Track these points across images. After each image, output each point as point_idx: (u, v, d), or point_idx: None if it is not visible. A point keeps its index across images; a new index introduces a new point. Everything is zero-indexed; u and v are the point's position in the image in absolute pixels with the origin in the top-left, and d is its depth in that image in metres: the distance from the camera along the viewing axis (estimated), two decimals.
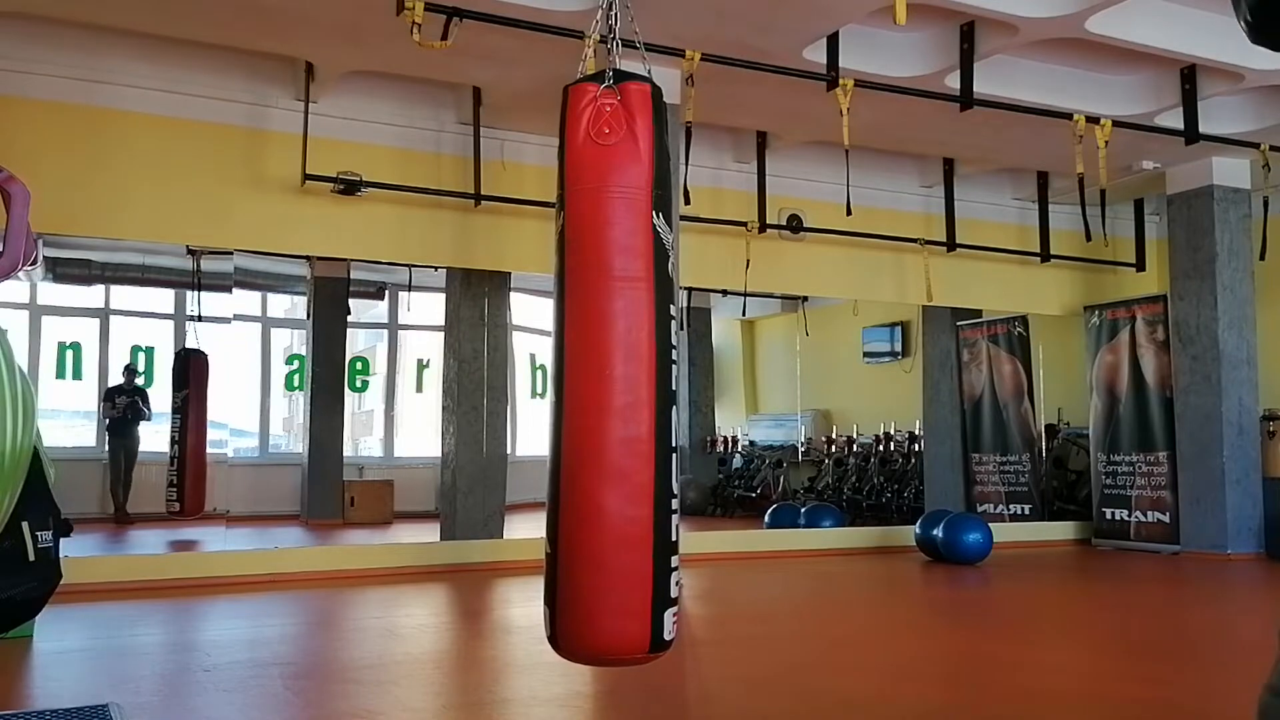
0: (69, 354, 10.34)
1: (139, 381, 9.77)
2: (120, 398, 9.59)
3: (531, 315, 11.61)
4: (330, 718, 3.09)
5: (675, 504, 2.38)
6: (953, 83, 6.11)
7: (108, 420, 9.67)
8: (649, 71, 2.48)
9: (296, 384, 11.17)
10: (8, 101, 5.83)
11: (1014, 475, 9.17)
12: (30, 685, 3.57)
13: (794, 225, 8.05)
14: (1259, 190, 7.48)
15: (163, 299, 10.72)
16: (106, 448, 9.58)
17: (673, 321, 2.42)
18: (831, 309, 11.89)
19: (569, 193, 2.41)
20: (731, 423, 13.39)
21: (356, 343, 11.59)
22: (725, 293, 9.83)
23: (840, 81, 5.86)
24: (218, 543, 8.10)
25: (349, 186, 6.48)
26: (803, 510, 9.10)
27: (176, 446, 8.73)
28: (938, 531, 7.18)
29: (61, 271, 10.09)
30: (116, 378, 10.52)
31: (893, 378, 11.45)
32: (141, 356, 10.53)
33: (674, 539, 2.38)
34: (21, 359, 3.36)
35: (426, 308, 10.42)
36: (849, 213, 6.35)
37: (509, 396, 8.47)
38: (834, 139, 6.23)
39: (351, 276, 10.32)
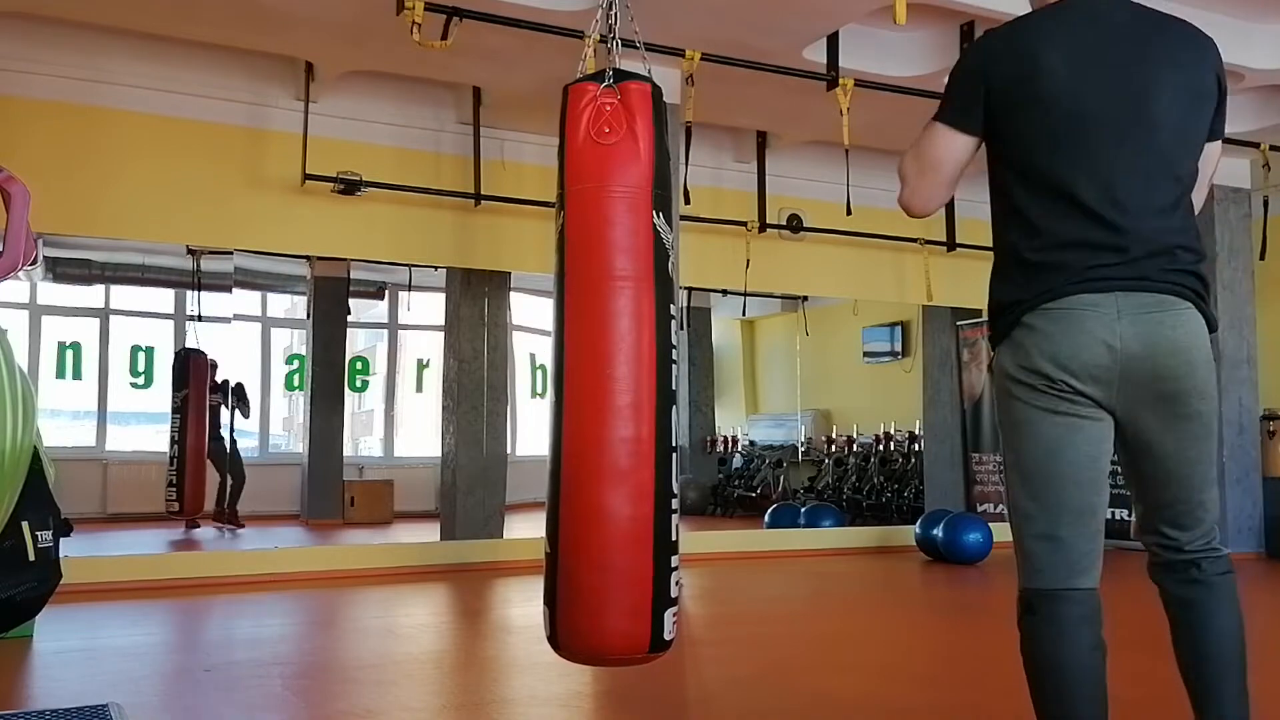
0: (69, 354, 10.35)
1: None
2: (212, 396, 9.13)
3: (531, 315, 11.62)
4: (330, 718, 3.09)
5: (675, 503, 2.38)
6: None
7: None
8: (649, 71, 2.48)
9: (296, 384, 11.17)
10: (8, 101, 5.82)
11: None
12: (30, 685, 3.58)
13: (794, 225, 8.05)
14: (1259, 190, 7.46)
15: (163, 299, 10.74)
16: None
17: (673, 321, 2.42)
18: (831, 309, 11.90)
19: (569, 192, 2.41)
20: (731, 422, 13.39)
21: (356, 343, 11.58)
22: (725, 293, 9.84)
23: (840, 81, 5.86)
24: (218, 543, 8.11)
25: (349, 186, 6.48)
26: (803, 510, 9.09)
27: (176, 446, 8.70)
28: (938, 531, 7.17)
29: (61, 271, 10.10)
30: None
31: (892, 378, 11.46)
32: (142, 356, 10.54)
33: (674, 539, 2.38)
34: (21, 359, 3.36)
35: (426, 308, 10.42)
36: (849, 212, 6.34)
37: (509, 396, 8.47)
38: (834, 139, 6.22)
39: (351, 276, 10.32)
